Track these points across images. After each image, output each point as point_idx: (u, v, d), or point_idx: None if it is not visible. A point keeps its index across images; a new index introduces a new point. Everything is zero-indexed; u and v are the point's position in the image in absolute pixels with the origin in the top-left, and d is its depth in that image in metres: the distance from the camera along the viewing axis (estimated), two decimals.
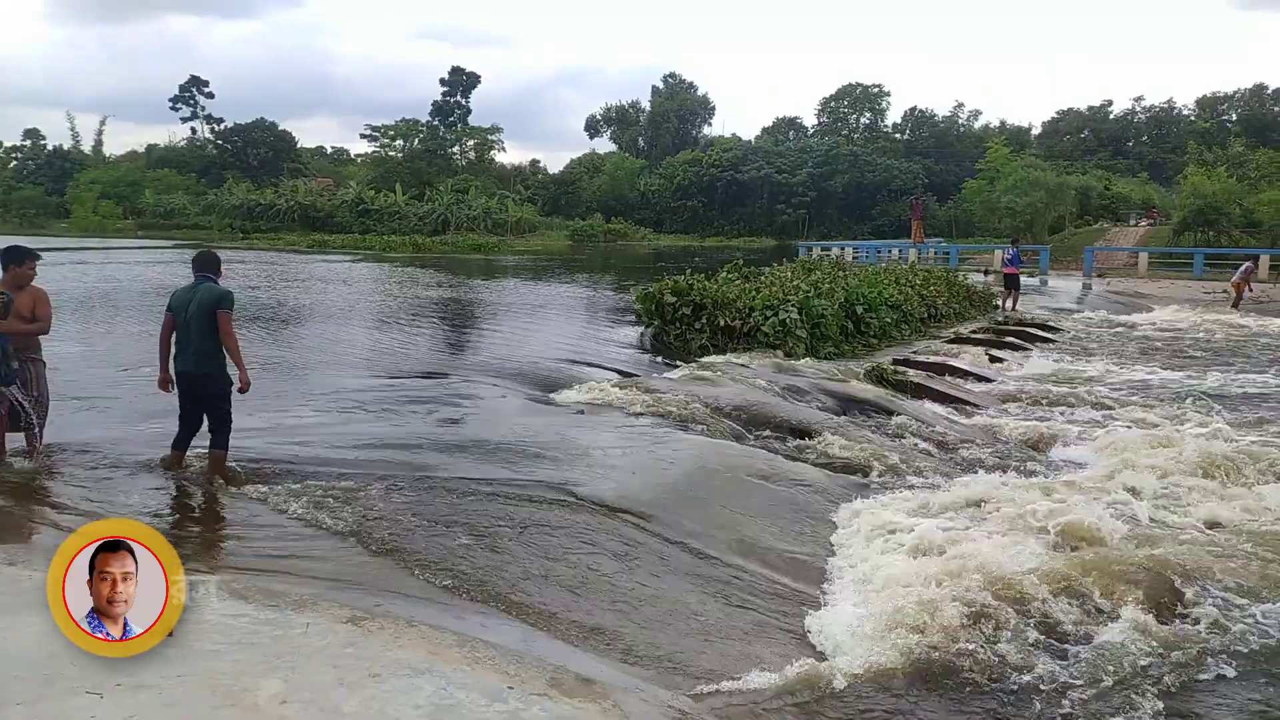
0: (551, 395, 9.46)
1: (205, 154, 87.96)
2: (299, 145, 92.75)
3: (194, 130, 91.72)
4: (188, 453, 5.93)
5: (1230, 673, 4.14)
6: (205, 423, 5.83)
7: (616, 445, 7.19)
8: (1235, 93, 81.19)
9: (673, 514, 5.74)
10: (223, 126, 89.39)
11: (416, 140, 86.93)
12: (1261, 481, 7.05)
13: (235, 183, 77.17)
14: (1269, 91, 78.77)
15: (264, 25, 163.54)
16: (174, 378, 5.83)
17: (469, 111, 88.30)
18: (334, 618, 3.67)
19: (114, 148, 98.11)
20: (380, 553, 4.73)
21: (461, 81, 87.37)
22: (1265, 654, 4.29)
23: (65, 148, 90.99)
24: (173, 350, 5.84)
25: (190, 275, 5.98)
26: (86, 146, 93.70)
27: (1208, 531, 5.98)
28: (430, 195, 73.64)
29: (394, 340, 13.81)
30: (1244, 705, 3.93)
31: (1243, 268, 23.70)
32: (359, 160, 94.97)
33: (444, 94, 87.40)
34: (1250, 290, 23.44)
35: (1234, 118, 78.21)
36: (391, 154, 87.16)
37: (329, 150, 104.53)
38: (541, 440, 7.17)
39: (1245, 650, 4.31)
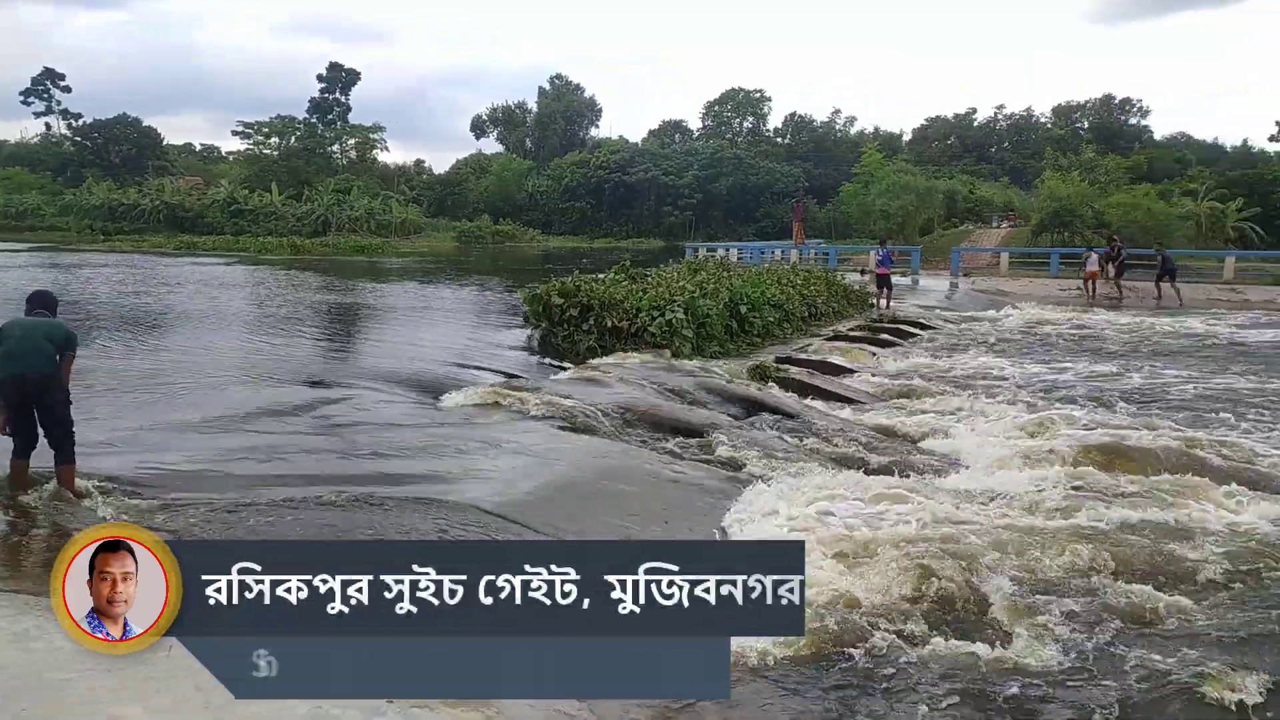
0: (436, 400, 9.32)
1: (61, 151, 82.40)
2: (165, 142, 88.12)
3: (48, 126, 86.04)
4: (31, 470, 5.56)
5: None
6: (43, 439, 5.45)
7: (499, 448, 7.14)
8: (1087, 102, 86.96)
9: (553, 515, 5.73)
10: (81, 122, 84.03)
11: (293, 138, 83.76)
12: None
13: (95, 182, 72.55)
14: (1116, 101, 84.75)
15: (128, 15, 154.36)
16: (3, 383, 5.34)
17: (349, 109, 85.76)
18: None
19: None
20: None
21: (340, 78, 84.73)
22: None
23: None
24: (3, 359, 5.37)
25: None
26: None
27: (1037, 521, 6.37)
28: (309, 195, 71.07)
29: (273, 346, 13.31)
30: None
31: (1092, 257, 25.53)
32: (231, 158, 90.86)
33: (322, 90, 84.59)
34: (1109, 278, 25.24)
35: (1086, 125, 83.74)
36: (266, 152, 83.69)
37: (198, 148, 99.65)
38: (423, 445, 7.05)
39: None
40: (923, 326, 18.84)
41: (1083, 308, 22.87)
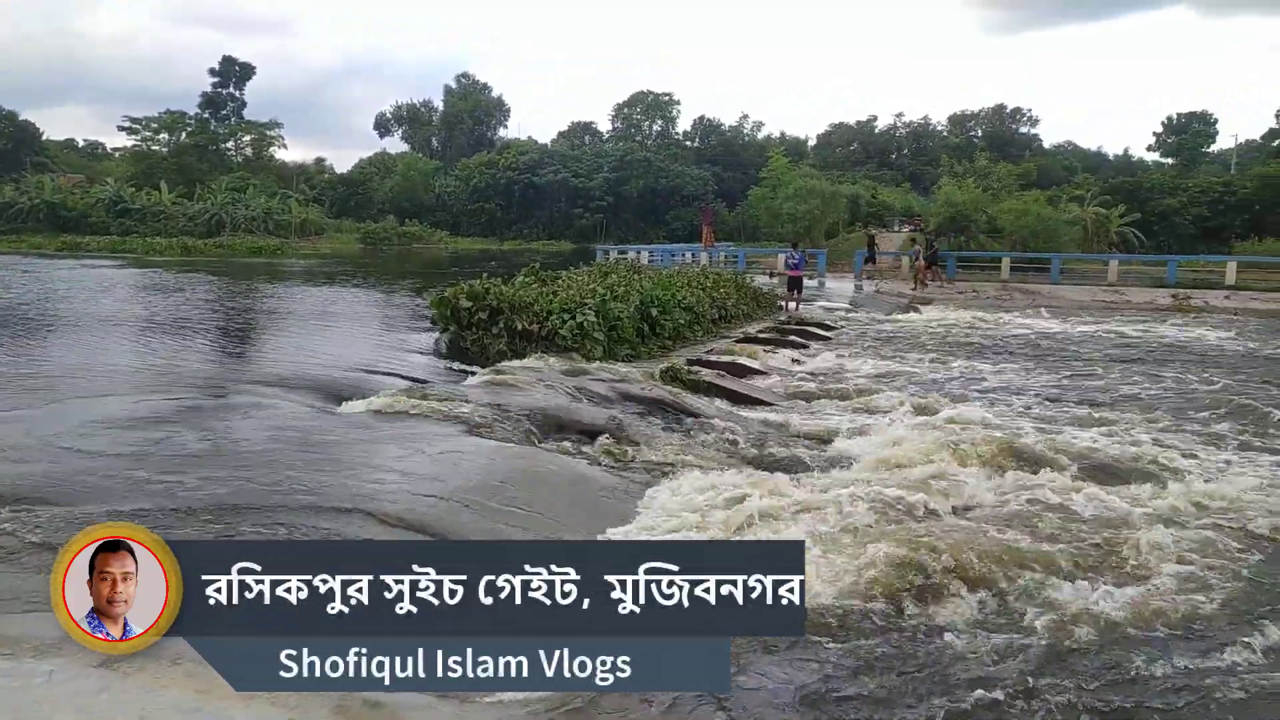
0: (339, 407, 9.04)
1: None
2: (44, 137, 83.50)
3: None
4: None
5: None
6: None
7: (403, 455, 6.97)
8: (981, 111, 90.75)
9: (458, 522, 5.61)
10: None
11: (184, 134, 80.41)
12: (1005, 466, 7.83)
13: None
14: (1008, 110, 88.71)
15: (2, 1, 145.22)
16: None
17: (244, 104, 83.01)
18: (83, 662, 3.30)
19: None
20: None
21: (234, 72, 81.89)
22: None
23: None
24: None
25: None
26: None
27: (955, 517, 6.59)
28: (201, 194, 68.34)
29: (165, 351, 12.70)
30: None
31: (913, 251, 27.89)
32: (117, 155, 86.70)
33: (214, 85, 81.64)
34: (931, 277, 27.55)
35: (980, 133, 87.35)
36: (155, 148, 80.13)
37: (80, 144, 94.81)
38: (323, 453, 6.82)
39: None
40: (829, 328, 19.29)
41: (975, 309, 23.83)
